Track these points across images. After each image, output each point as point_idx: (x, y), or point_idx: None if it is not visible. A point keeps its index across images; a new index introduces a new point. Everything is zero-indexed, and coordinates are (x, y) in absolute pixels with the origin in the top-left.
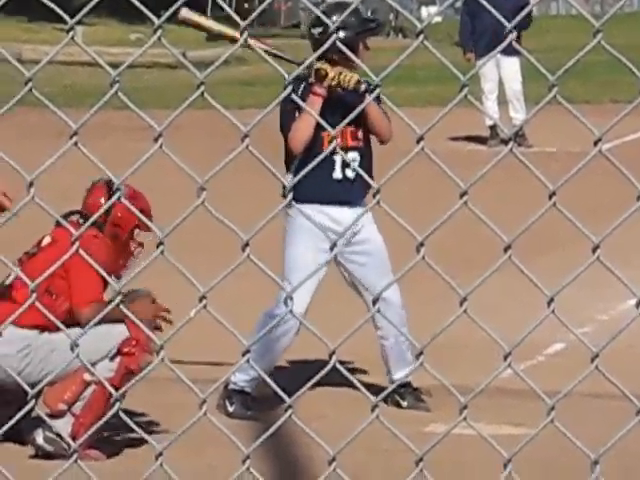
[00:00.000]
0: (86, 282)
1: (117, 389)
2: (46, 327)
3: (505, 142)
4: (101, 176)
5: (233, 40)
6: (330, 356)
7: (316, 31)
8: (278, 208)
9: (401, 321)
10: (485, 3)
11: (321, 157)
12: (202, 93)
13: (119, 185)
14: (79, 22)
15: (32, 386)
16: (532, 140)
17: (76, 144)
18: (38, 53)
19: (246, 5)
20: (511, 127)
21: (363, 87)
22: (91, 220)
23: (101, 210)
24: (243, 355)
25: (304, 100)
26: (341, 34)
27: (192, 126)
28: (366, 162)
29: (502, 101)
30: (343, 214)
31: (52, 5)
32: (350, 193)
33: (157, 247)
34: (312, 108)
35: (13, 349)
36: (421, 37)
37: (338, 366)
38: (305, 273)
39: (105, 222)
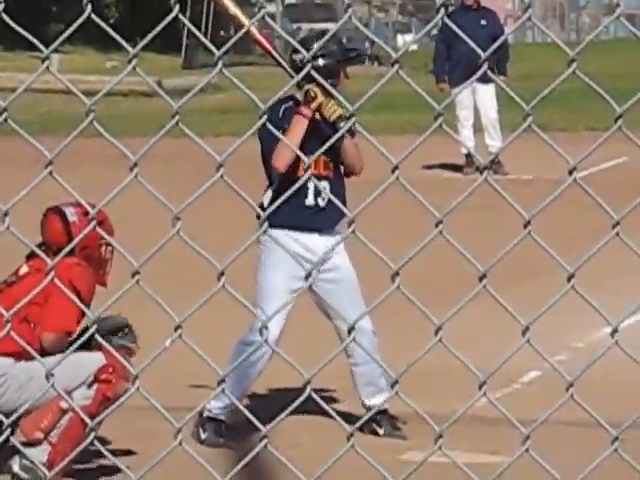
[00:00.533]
0: (61, 311)
1: (94, 417)
2: (22, 355)
3: (481, 170)
4: (47, 205)
5: (240, 26)
6: (305, 385)
7: (297, 57)
8: (254, 237)
9: (373, 347)
10: (460, 32)
11: (297, 185)
12: (177, 122)
13: (93, 215)
14: (55, 50)
15: (8, 415)
16: (508, 167)
17: (51, 173)
18: (14, 81)
19: (222, 33)
20: (487, 155)
21: (342, 124)
22: (70, 246)
23: (81, 235)
24: (218, 384)
25: (288, 122)
26: (322, 62)
27: (168, 155)
28: (337, 190)
29: (478, 129)
30: (314, 241)
31: (27, 35)
32: (321, 220)
33: (132, 277)
34: (296, 128)
35: None
36: (396, 66)
37: (313, 395)
38: (278, 300)
39: (72, 248)
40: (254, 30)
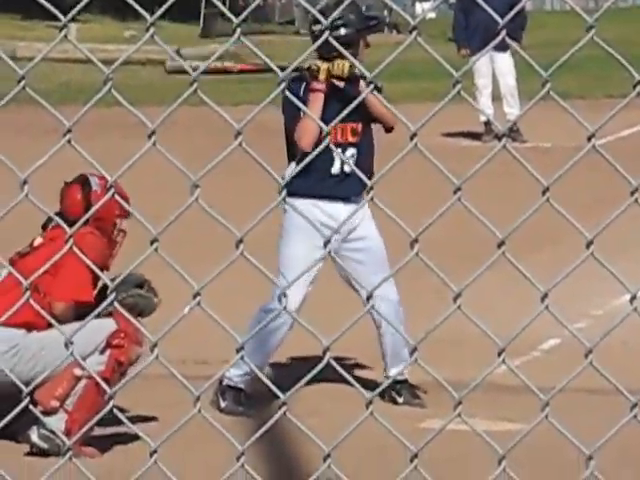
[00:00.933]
0: (74, 280)
1: (108, 382)
2: (34, 325)
3: (499, 137)
4: (66, 175)
5: (231, 71)
6: (324, 353)
7: (317, 28)
8: (273, 205)
9: (398, 318)
10: (482, 2)
11: (316, 152)
12: (195, 90)
13: (112, 183)
14: (73, 19)
15: (24, 385)
16: (527, 135)
17: (69, 142)
18: (32, 51)
19: (241, 2)
20: (505, 122)
21: (357, 70)
22: (87, 215)
23: (99, 204)
24: (237, 351)
25: (306, 101)
26: (342, 31)
27: (187, 123)
28: (365, 158)
29: (496, 96)
30: (338, 209)
31: (45, 3)
32: (346, 188)
33: (151, 244)
34: (314, 105)
35: (1, 349)
36: (414, 33)
37: (332, 362)
38: (299, 269)
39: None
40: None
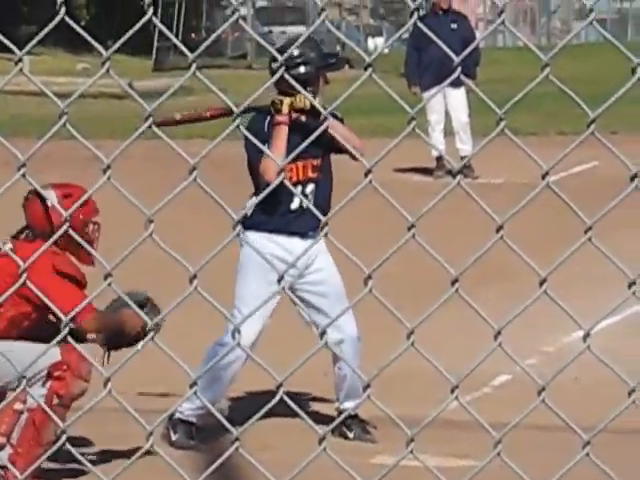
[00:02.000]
0: (69, 296)
1: (47, 415)
2: None
3: (451, 173)
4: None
5: (202, 118)
6: (277, 388)
7: (276, 65)
8: (226, 240)
9: (355, 353)
10: (432, 36)
11: (268, 190)
12: (150, 125)
13: (67, 217)
14: (28, 52)
15: None
16: (478, 171)
17: (24, 176)
18: None
19: (193, 35)
20: (458, 158)
21: (318, 101)
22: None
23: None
24: (190, 387)
25: (270, 135)
26: (302, 69)
27: (141, 156)
28: (324, 193)
29: (448, 132)
30: (294, 244)
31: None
32: (304, 223)
33: (105, 279)
34: (278, 138)
35: None
36: (369, 70)
37: (285, 398)
38: (255, 304)
39: (52, 230)
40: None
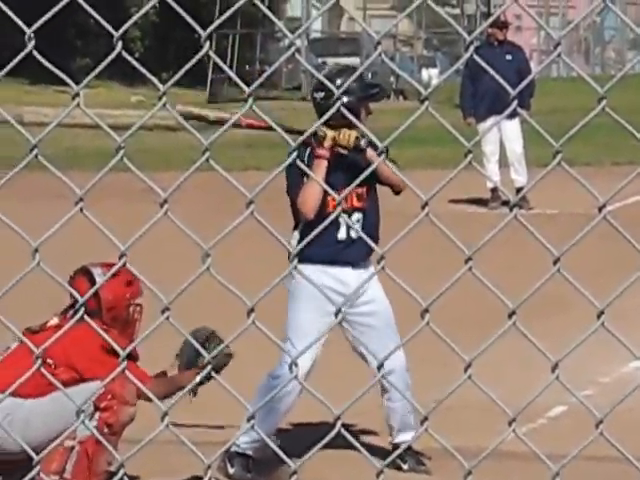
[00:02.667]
0: (120, 376)
1: (101, 447)
2: (29, 394)
3: (507, 204)
4: (78, 266)
5: (236, 125)
6: (335, 421)
7: (318, 95)
8: (284, 274)
9: (405, 385)
10: (487, 67)
11: (327, 222)
12: (207, 159)
13: (124, 251)
14: (79, 84)
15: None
16: (533, 202)
17: (81, 210)
18: (39, 116)
19: (247, 67)
20: (512, 189)
21: (363, 143)
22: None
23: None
24: (248, 420)
25: (310, 165)
26: (344, 99)
27: (196, 189)
28: (371, 222)
29: (503, 163)
30: (347, 274)
31: (58, 72)
32: (353, 253)
33: (162, 313)
34: (317, 171)
35: None
36: (426, 104)
37: (343, 431)
38: (308, 335)
39: (100, 308)
40: (249, 121)
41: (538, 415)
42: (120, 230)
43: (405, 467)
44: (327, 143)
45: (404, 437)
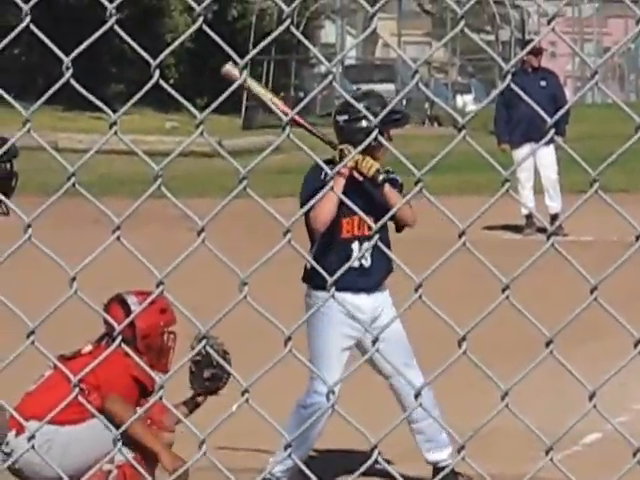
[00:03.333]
0: (119, 391)
1: (136, 470)
2: (66, 421)
3: (542, 231)
4: (113, 293)
5: (271, 112)
6: (372, 450)
7: (341, 118)
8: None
9: (431, 404)
10: (522, 94)
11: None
12: (244, 188)
13: (162, 279)
14: (115, 111)
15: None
16: (568, 229)
17: (118, 238)
18: (73, 142)
19: (282, 94)
20: (547, 216)
21: (381, 178)
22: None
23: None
24: (285, 448)
25: (324, 185)
26: (364, 123)
27: (230, 216)
28: (381, 250)
29: (538, 190)
30: (362, 300)
31: (94, 99)
32: (367, 280)
33: (199, 342)
34: (335, 186)
35: (36, 443)
36: (463, 132)
37: (380, 460)
38: (335, 362)
39: (135, 336)
40: (297, 117)
41: (573, 442)
42: (156, 257)
43: None
44: (350, 163)
45: (438, 455)
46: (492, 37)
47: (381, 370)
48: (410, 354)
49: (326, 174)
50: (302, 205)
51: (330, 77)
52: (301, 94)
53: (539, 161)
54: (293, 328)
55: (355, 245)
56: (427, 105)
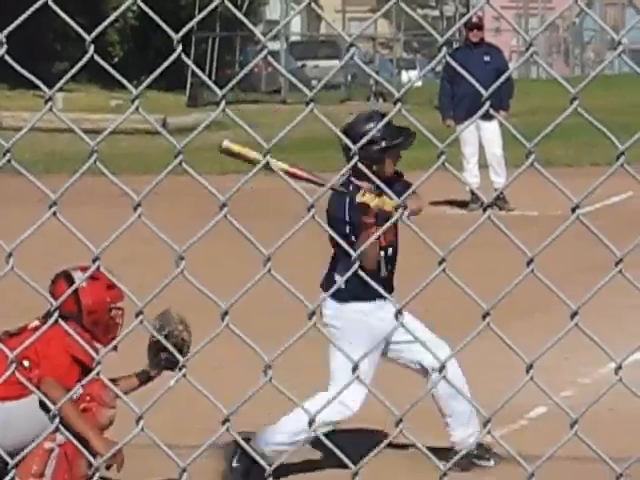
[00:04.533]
0: (57, 369)
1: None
2: (3, 398)
3: (484, 208)
4: (60, 269)
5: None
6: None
7: (343, 144)
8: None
9: (460, 379)
10: (462, 71)
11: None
12: (180, 162)
13: (97, 255)
14: (60, 89)
15: None
16: (514, 203)
17: (55, 214)
18: (18, 120)
19: (228, 72)
20: (492, 191)
21: (400, 212)
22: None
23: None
24: (222, 423)
25: (353, 212)
26: (375, 147)
27: (173, 192)
28: (397, 253)
29: (483, 165)
30: (386, 307)
31: (30, 76)
32: (390, 286)
33: (136, 317)
34: (367, 237)
35: None
36: (398, 105)
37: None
38: (364, 373)
39: (81, 312)
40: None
41: (519, 416)
42: (99, 234)
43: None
44: (372, 213)
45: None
46: (437, 12)
47: (408, 361)
48: (429, 335)
49: (347, 205)
50: (334, 228)
51: (264, 52)
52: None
53: (483, 136)
54: (230, 302)
55: (381, 254)
56: (372, 81)
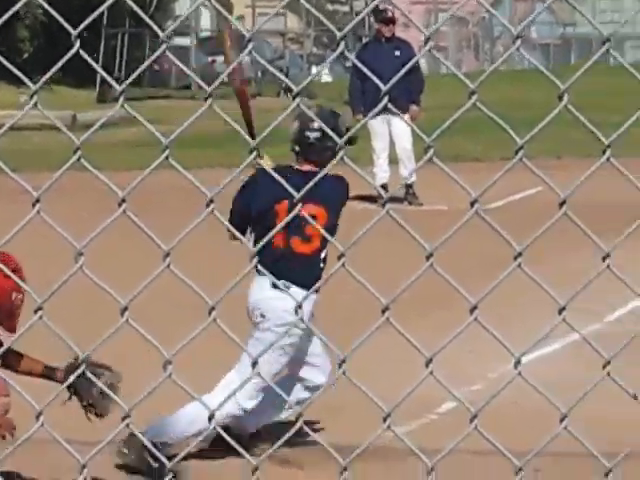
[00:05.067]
0: None
1: None
2: None
3: (397, 201)
4: None
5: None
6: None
7: (313, 135)
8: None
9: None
10: (364, 67)
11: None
12: (79, 158)
13: None
14: None
15: None
16: (423, 198)
17: None
18: None
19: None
20: (402, 186)
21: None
22: None
23: None
24: (123, 419)
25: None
26: (329, 143)
27: (76, 188)
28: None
29: (393, 159)
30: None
31: None
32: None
33: (35, 312)
34: None
35: None
36: (297, 100)
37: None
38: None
39: None
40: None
41: (428, 411)
42: (4, 231)
43: None
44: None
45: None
46: (347, 8)
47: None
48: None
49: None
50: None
51: (163, 47)
52: (156, 67)
53: (394, 132)
54: (129, 298)
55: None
56: (282, 76)
